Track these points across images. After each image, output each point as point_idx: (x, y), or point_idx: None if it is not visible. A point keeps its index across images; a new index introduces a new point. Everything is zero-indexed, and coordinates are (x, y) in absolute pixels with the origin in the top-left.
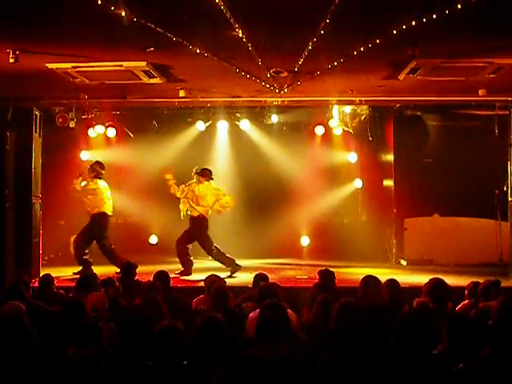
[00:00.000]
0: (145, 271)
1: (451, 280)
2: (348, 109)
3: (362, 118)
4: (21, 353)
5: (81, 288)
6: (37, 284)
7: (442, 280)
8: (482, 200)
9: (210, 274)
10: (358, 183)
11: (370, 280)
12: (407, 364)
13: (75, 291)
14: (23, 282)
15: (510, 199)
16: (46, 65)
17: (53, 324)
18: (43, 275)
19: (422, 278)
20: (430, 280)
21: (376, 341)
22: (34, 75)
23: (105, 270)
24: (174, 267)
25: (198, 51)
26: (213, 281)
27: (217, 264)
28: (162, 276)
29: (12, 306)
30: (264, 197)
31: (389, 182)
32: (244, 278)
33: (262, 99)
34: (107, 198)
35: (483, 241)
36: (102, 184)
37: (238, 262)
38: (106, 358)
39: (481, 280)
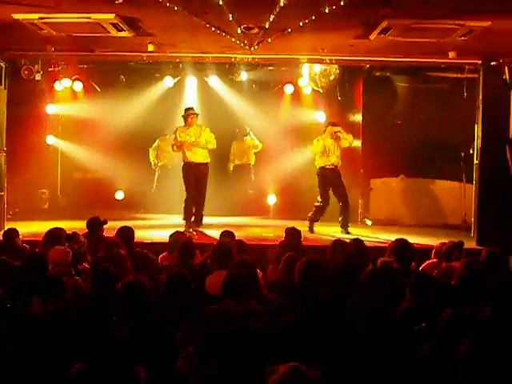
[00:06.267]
0: (111, 227)
1: (415, 240)
2: (318, 68)
3: (332, 77)
4: None
5: (47, 242)
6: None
7: (406, 240)
8: (448, 162)
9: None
10: None
11: (337, 245)
12: (370, 322)
13: (42, 245)
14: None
15: (475, 162)
16: (12, 15)
17: (16, 278)
18: (8, 229)
19: (386, 238)
20: (395, 240)
21: (338, 301)
22: (0, 26)
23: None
24: (140, 223)
25: (167, 4)
26: (177, 237)
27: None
28: (125, 231)
29: None
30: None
31: (356, 143)
32: (210, 235)
33: (232, 56)
34: None
35: (448, 202)
36: None
37: (205, 219)
38: (71, 312)
39: (445, 241)
